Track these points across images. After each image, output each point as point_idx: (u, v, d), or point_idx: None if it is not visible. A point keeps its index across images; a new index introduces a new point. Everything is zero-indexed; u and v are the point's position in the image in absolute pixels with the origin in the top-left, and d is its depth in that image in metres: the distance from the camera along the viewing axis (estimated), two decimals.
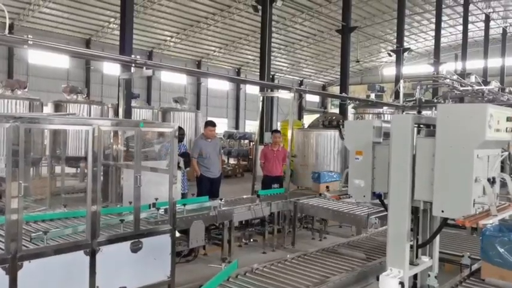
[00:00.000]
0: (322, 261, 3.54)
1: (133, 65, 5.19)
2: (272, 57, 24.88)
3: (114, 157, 5.97)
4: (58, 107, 12.96)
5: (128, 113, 10.46)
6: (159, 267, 4.20)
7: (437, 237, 3.10)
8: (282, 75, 37.98)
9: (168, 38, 28.92)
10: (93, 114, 12.98)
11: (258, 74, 19.26)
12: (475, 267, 3.30)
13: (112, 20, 24.95)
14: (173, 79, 31.22)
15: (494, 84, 13.71)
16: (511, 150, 3.26)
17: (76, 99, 13.19)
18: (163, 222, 4.44)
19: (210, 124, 8.00)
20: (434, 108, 11.08)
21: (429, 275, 2.99)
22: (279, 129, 19.42)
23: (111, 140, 5.91)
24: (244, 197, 7.09)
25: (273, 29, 22.97)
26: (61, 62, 25.60)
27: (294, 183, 11.74)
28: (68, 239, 3.76)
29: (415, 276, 3.10)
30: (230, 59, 33.77)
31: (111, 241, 3.83)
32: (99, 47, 26.55)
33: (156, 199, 4.86)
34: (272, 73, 31.74)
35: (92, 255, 3.66)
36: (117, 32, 24.92)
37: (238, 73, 36.00)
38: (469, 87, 12.64)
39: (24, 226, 3.62)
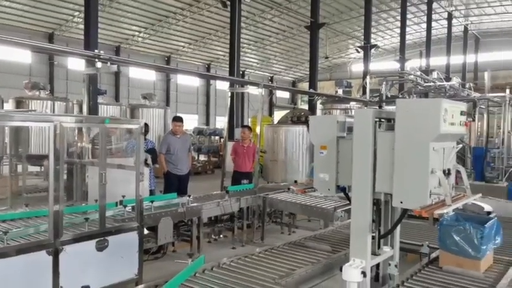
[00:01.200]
0: (289, 254, 3.60)
1: (97, 60, 5.07)
2: (242, 53, 24.89)
3: (78, 155, 5.84)
4: (20, 103, 12.52)
5: (94, 110, 10.22)
6: (126, 265, 4.16)
7: (398, 228, 3.21)
8: (252, 71, 38.00)
9: (136, 33, 28.40)
10: (58, 111, 12.63)
11: (228, 70, 19.23)
12: (433, 255, 3.43)
13: (76, 13, 24.25)
14: (142, 75, 30.71)
15: (455, 80, 14.23)
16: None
17: (39, 95, 12.80)
18: (131, 219, 4.39)
19: (176, 119, 7.93)
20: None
21: (389, 264, 3.10)
22: (249, 125, 19.41)
23: (76, 138, 5.78)
24: (214, 193, 7.09)
25: (243, 24, 22.95)
26: (23, 57, 24.66)
27: (264, 179, 11.82)
28: (30, 239, 3.66)
29: (377, 266, 3.20)
30: (200, 54, 33.52)
31: (75, 240, 3.77)
32: (63, 41, 25.71)
33: (123, 196, 4.79)
34: (242, 69, 31.73)
35: (55, 254, 3.59)
36: (82, 26, 24.23)
37: (208, 69, 35.76)
38: (432, 83, 13.09)
39: None
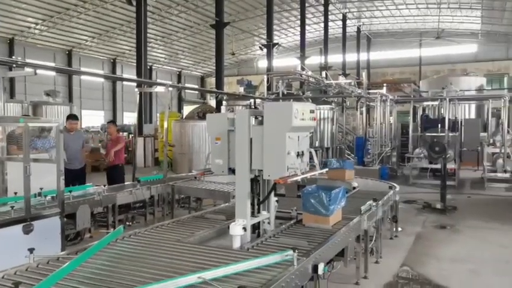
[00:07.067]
0: (192, 223, 4.52)
1: (14, 65, 5.45)
2: (149, 48, 24.88)
3: None
4: None
5: None
6: (50, 246, 4.72)
7: (273, 198, 4.29)
8: (160, 66, 37.94)
9: (33, 25, 26.92)
10: None
11: (135, 64, 19.37)
12: (300, 218, 4.59)
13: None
14: (41, 70, 29.03)
15: (341, 79, 16.28)
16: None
17: None
18: (52, 207, 4.96)
19: (72, 118, 8.34)
20: (292, 100, 12.88)
21: (264, 222, 4.18)
22: (157, 121, 19.89)
23: None
24: (126, 183, 7.74)
25: (149, 19, 22.99)
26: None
27: (173, 171, 12.59)
28: None
29: (259, 227, 4.25)
30: (104, 49, 32.66)
31: (3, 225, 4.29)
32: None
33: (41, 188, 5.32)
34: (149, 64, 31.62)
35: None
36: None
37: (113, 64, 34.99)
38: (321, 82, 14.89)
39: None
